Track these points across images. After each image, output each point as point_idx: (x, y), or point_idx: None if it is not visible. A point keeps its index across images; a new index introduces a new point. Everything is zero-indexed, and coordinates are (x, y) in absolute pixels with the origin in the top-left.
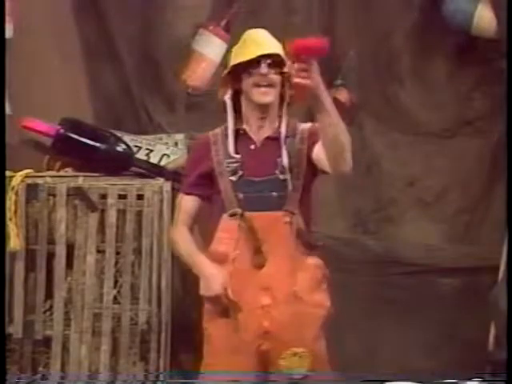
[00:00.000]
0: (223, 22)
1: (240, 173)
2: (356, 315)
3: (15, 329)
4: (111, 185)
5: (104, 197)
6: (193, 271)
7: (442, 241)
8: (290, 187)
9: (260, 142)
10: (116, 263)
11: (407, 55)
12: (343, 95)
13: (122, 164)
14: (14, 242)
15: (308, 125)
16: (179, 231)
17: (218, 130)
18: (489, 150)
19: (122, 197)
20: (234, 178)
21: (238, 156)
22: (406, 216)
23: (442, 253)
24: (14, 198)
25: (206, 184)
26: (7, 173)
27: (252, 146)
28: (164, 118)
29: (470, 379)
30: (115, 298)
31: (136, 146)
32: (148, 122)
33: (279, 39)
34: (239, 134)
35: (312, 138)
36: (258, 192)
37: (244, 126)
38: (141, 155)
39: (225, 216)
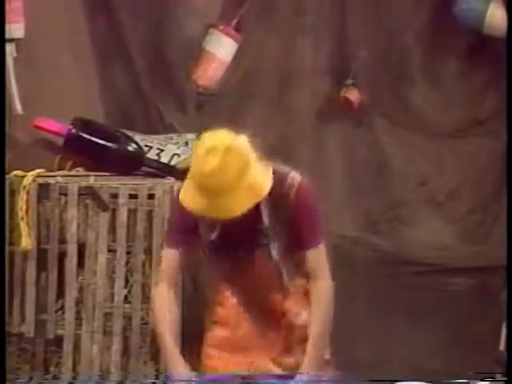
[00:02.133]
0: (234, 22)
1: (217, 239)
2: (366, 315)
3: (27, 328)
4: (122, 184)
5: (115, 196)
6: None
7: (454, 240)
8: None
9: None
10: (127, 263)
11: (419, 55)
12: (354, 95)
13: (132, 163)
14: (26, 241)
15: (297, 179)
16: (160, 289)
17: None
18: (500, 149)
19: (132, 196)
20: (212, 240)
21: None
22: (418, 216)
23: (454, 252)
24: (25, 197)
25: (190, 235)
26: (19, 172)
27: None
28: (175, 118)
29: (481, 379)
30: (126, 297)
31: (147, 146)
32: (159, 122)
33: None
34: None
35: (299, 201)
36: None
37: None
38: (151, 155)
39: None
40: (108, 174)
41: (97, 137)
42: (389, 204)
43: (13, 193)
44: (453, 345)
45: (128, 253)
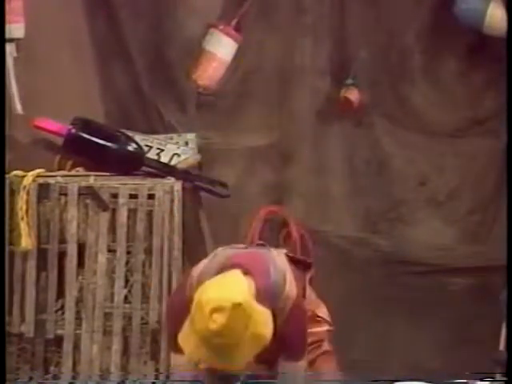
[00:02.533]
0: (234, 22)
1: None
2: (366, 315)
3: (27, 328)
4: (122, 184)
5: (115, 196)
6: None
7: (454, 240)
8: None
9: None
10: (127, 263)
11: (418, 55)
12: (354, 95)
13: (132, 163)
14: (26, 241)
15: (293, 294)
16: None
17: None
18: (500, 149)
19: (132, 196)
20: None
21: None
22: (418, 216)
23: (453, 252)
24: (25, 197)
25: None
26: (19, 172)
27: None
28: (175, 118)
29: (480, 379)
30: (126, 297)
31: (147, 146)
32: (159, 122)
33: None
34: None
35: (291, 318)
36: None
37: None
38: (151, 155)
39: None
40: (108, 173)
41: (97, 137)
42: (389, 204)
43: (13, 193)
44: (453, 344)
45: (128, 253)
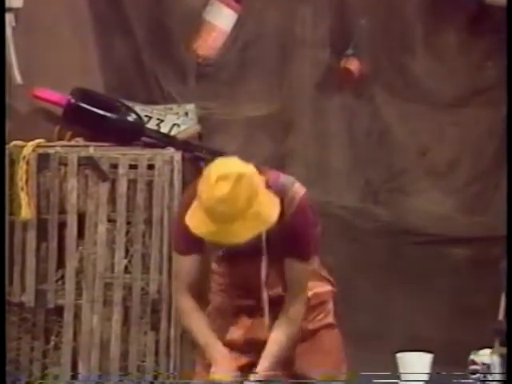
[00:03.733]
0: None
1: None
2: (367, 285)
3: (27, 298)
4: (122, 154)
5: (115, 166)
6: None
7: (454, 210)
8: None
9: None
10: (127, 233)
11: (419, 25)
12: (354, 65)
13: (132, 134)
14: (26, 211)
15: (300, 193)
16: (185, 302)
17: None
18: (500, 119)
19: (132, 166)
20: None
21: None
22: (418, 186)
23: (454, 222)
24: (25, 167)
25: (200, 243)
26: (19, 142)
27: None
28: (174, 88)
29: (480, 348)
30: (126, 267)
31: (146, 116)
32: (159, 92)
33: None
34: None
35: (299, 214)
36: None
37: None
38: (151, 125)
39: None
40: (108, 144)
41: (96, 107)
42: (389, 174)
43: (13, 163)
44: (452, 314)
45: (128, 223)
